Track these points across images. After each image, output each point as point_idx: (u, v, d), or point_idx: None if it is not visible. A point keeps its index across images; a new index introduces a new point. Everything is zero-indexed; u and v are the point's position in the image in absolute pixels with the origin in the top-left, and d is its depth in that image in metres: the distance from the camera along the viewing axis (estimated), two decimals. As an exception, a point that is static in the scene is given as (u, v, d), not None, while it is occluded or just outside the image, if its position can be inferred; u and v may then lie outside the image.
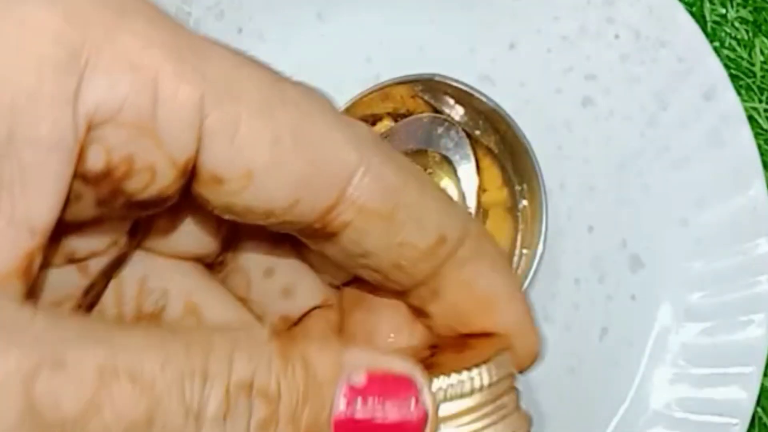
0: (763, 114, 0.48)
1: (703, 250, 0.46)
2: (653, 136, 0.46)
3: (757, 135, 0.46)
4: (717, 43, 0.48)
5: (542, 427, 0.46)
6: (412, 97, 0.45)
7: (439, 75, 0.44)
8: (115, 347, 0.20)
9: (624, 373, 0.46)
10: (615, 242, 0.47)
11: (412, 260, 0.24)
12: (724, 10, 0.48)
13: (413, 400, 0.22)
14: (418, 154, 0.45)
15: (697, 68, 0.46)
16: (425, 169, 0.45)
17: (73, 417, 0.19)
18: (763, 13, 0.48)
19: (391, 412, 0.22)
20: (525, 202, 0.45)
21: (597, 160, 0.47)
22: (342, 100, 0.44)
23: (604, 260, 0.46)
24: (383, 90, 0.44)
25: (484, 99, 0.44)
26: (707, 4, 0.48)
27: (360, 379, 0.22)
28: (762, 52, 0.48)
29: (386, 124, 0.45)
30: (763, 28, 0.48)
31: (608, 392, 0.46)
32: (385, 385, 0.22)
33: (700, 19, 0.48)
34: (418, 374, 0.22)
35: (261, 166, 0.22)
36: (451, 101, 0.45)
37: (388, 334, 0.26)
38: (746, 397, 0.45)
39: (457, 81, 0.44)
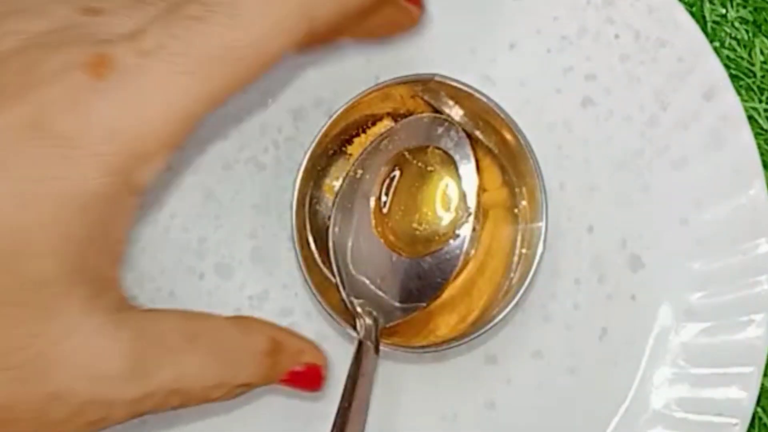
0: (763, 114, 0.48)
1: (703, 250, 0.46)
2: (653, 136, 0.46)
3: (757, 135, 0.46)
4: (717, 43, 0.48)
5: (542, 427, 0.46)
6: (412, 97, 0.45)
7: (439, 75, 0.44)
8: None
9: (624, 373, 0.46)
10: (615, 242, 0.47)
11: None
12: (724, 10, 0.48)
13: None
14: (419, 151, 0.45)
15: (697, 68, 0.46)
16: (426, 167, 0.45)
17: None
18: (763, 13, 0.48)
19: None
20: (525, 202, 0.45)
21: (597, 160, 0.47)
22: (342, 100, 0.44)
23: (604, 260, 0.46)
24: (383, 90, 0.44)
25: (484, 99, 0.44)
26: (707, 4, 0.48)
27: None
28: (762, 52, 0.48)
29: (386, 124, 0.45)
30: (763, 28, 0.48)
31: (608, 392, 0.46)
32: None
33: (700, 19, 0.48)
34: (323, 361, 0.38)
35: None
36: (451, 101, 0.45)
37: None
38: (746, 397, 0.45)
39: (457, 81, 0.44)
